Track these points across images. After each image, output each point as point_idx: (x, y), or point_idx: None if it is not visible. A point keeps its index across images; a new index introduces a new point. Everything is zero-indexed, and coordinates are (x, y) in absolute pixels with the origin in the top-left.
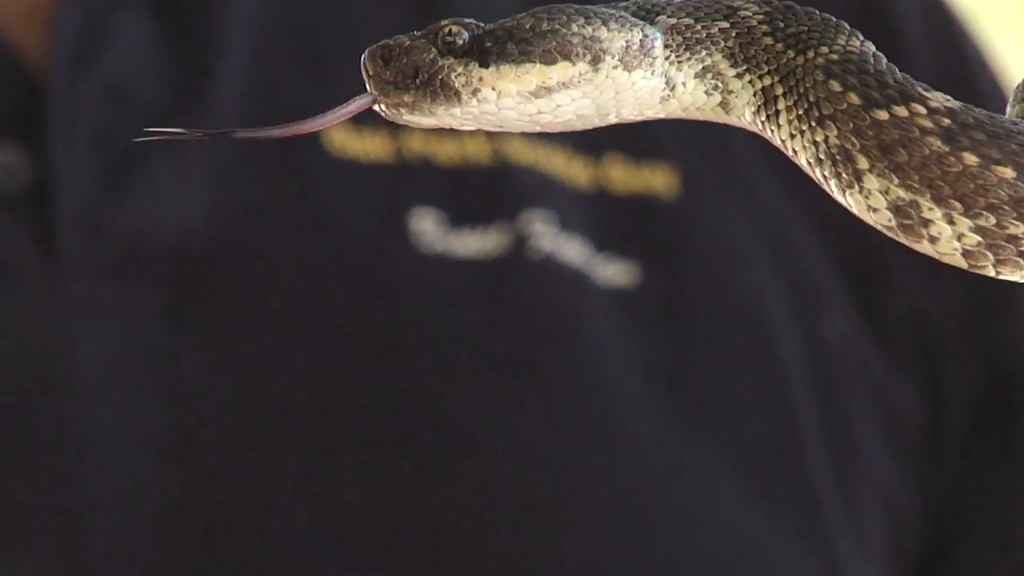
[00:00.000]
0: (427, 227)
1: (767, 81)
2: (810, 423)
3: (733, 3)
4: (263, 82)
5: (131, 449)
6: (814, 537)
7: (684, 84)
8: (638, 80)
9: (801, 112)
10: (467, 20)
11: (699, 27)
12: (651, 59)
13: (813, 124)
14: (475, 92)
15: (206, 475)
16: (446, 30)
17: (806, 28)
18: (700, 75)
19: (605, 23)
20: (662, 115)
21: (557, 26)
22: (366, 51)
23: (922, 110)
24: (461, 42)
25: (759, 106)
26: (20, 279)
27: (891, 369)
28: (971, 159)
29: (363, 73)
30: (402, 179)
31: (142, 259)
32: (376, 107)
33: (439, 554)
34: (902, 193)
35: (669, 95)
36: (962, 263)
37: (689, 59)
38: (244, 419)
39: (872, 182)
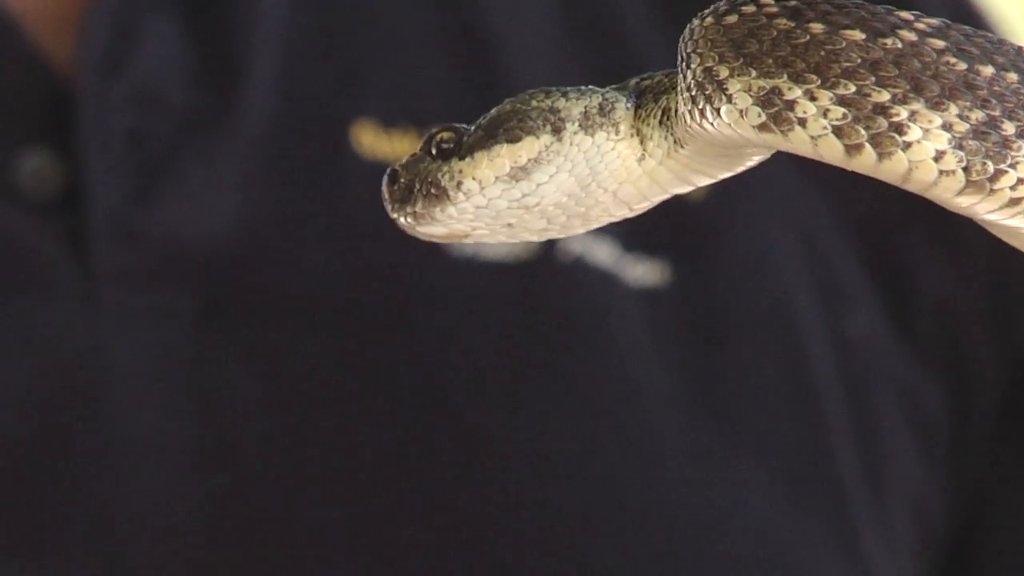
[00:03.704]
0: None
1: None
2: (838, 423)
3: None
4: (291, 85)
5: (165, 454)
6: (843, 537)
7: (652, 136)
8: (602, 143)
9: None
10: (462, 126)
11: (660, 76)
12: (613, 121)
13: (682, 69)
14: (459, 185)
15: (238, 479)
16: (438, 137)
17: None
18: (662, 121)
19: (564, 94)
20: (645, 180)
21: (519, 105)
22: (384, 177)
23: (769, 1)
24: (450, 145)
25: (661, 114)
26: (53, 285)
27: (917, 366)
28: (817, 27)
29: (383, 195)
30: None
31: (173, 265)
32: (400, 223)
33: (466, 560)
34: (762, 83)
35: (643, 155)
36: (838, 148)
37: (653, 109)
38: (274, 423)
39: (735, 84)
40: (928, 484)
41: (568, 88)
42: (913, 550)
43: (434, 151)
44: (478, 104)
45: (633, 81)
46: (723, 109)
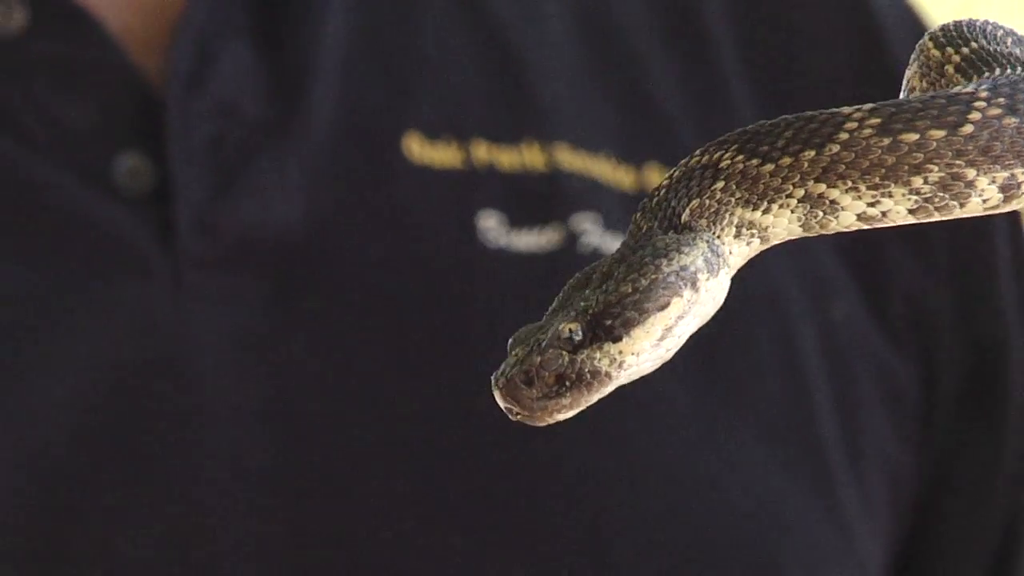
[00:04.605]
0: (492, 224)
1: (800, 192)
2: (822, 394)
3: (708, 160)
4: (349, 100)
5: (238, 415)
6: (823, 493)
7: (732, 251)
8: (723, 278)
9: (877, 180)
10: (571, 313)
11: (706, 200)
12: (721, 256)
13: (904, 178)
14: (620, 365)
15: (301, 438)
16: (564, 332)
17: (793, 130)
18: (737, 235)
19: (678, 250)
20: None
21: (652, 275)
22: (500, 386)
23: (982, 104)
24: (580, 336)
25: (806, 213)
26: (145, 270)
27: (891, 348)
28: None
29: (504, 402)
30: (470, 184)
31: (248, 254)
32: (536, 417)
33: (505, 516)
34: (1005, 174)
35: (728, 268)
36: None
37: (722, 229)
38: (334, 391)
39: (983, 182)
40: (900, 452)
41: (668, 243)
42: (887, 509)
43: (567, 346)
44: (507, 117)
45: (683, 217)
46: (967, 206)
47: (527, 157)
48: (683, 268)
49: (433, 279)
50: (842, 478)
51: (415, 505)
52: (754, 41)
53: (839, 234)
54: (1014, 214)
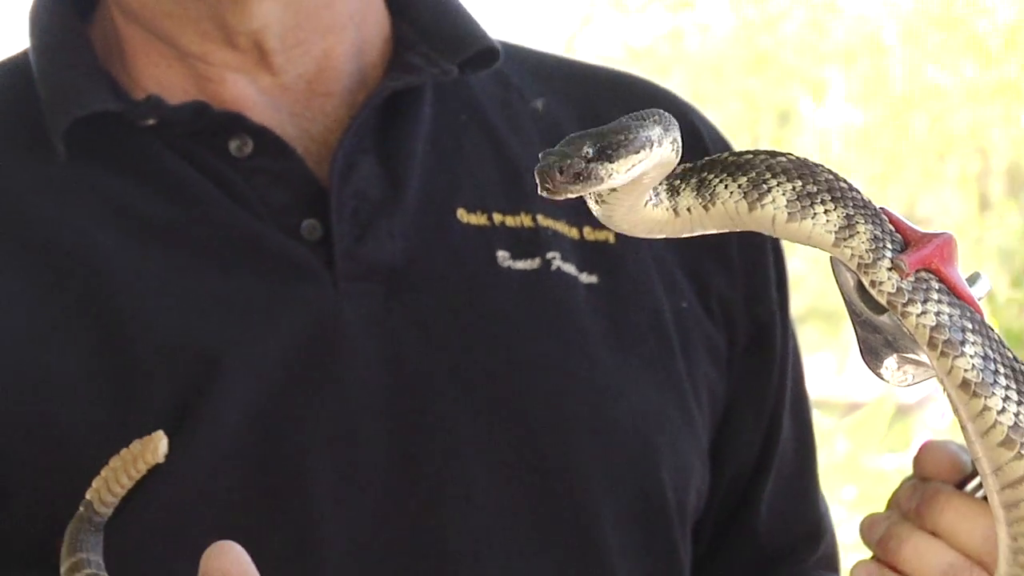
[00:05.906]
0: (504, 256)
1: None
2: (677, 351)
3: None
4: (426, 188)
5: (367, 365)
6: (680, 403)
7: (673, 139)
8: (666, 148)
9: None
10: (587, 141)
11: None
12: (670, 134)
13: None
14: (609, 174)
15: (406, 378)
16: (583, 151)
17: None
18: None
19: (657, 123)
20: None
21: (637, 132)
22: (544, 172)
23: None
24: (591, 154)
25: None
26: (318, 281)
27: (712, 324)
28: None
29: (544, 180)
30: (492, 235)
31: (373, 272)
32: (547, 195)
33: (515, 427)
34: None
35: (668, 145)
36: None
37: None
38: (422, 349)
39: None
40: (716, 381)
41: (654, 119)
42: (710, 412)
43: (584, 157)
44: (511, 199)
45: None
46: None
47: (522, 220)
48: (649, 138)
49: (474, 285)
50: (688, 394)
51: (466, 416)
52: None
53: (685, 264)
54: (777, 240)
